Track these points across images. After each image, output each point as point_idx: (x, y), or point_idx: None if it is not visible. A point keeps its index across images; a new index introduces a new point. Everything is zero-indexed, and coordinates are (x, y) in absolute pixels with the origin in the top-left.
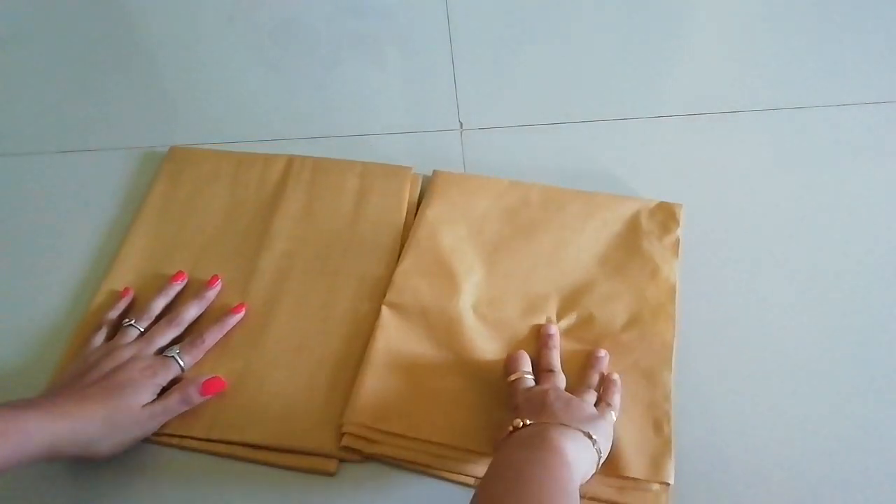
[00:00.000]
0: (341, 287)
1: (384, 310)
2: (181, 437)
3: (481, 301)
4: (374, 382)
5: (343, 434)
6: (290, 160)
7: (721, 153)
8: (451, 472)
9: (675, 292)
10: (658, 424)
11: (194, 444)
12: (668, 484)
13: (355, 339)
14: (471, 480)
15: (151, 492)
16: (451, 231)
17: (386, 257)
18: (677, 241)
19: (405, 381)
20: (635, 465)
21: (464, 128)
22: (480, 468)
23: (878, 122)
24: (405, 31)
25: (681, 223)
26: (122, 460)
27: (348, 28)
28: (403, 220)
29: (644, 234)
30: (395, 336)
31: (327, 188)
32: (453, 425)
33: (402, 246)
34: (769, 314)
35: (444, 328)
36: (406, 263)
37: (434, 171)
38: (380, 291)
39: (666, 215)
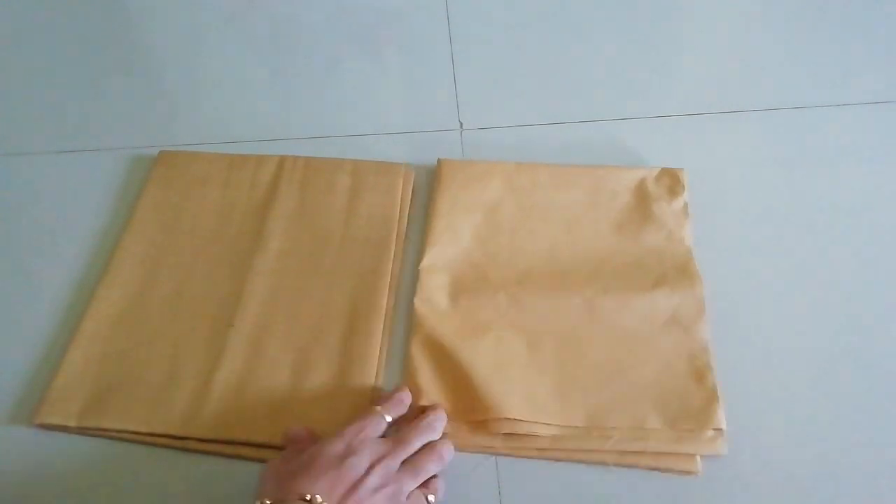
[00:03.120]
0: (338, 284)
1: (417, 307)
2: (183, 438)
3: (510, 282)
4: (423, 375)
5: None
6: (282, 160)
7: (721, 153)
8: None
9: (692, 253)
10: (701, 374)
11: (197, 445)
12: (720, 430)
13: (356, 334)
14: (533, 452)
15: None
16: (467, 219)
17: (381, 253)
18: (686, 205)
19: (454, 371)
20: (684, 415)
21: (464, 128)
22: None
23: (879, 122)
24: (405, 31)
25: (686, 187)
26: (124, 463)
27: (348, 28)
28: (397, 215)
29: (653, 200)
30: (431, 332)
31: (320, 187)
32: (512, 405)
33: (396, 241)
34: (768, 313)
35: (478, 313)
36: (428, 258)
37: (438, 160)
38: (377, 286)
39: (672, 180)
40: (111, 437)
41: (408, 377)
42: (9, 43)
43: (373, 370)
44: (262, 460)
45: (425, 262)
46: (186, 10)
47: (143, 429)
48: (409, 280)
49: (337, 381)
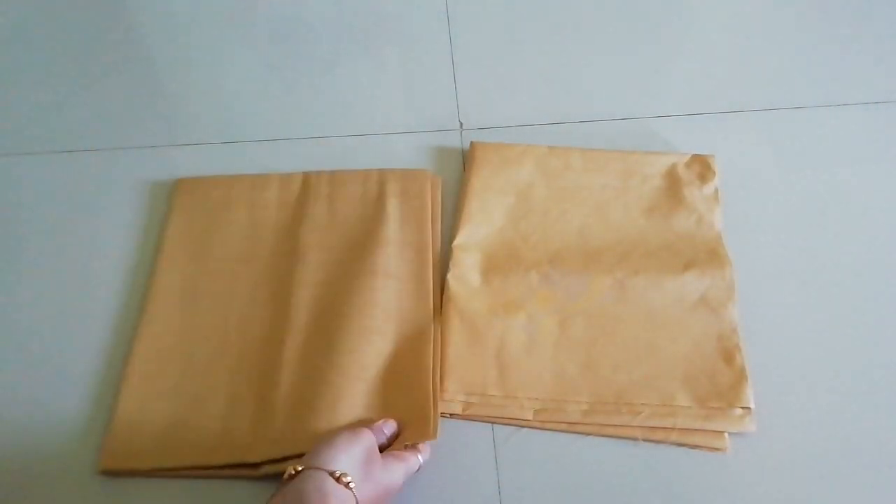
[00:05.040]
0: (382, 290)
1: (450, 283)
2: (256, 465)
3: (541, 261)
4: (456, 350)
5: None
6: (307, 176)
7: (721, 153)
8: (550, 421)
9: (721, 238)
10: (729, 355)
11: (270, 468)
12: (749, 408)
13: (407, 337)
14: (563, 426)
15: None
16: (500, 200)
17: (420, 256)
18: (717, 191)
19: (486, 346)
20: (713, 394)
21: (464, 128)
22: (581, 415)
23: (878, 122)
24: (405, 31)
25: (717, 173)
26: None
27: (348, 28)
28: (429, 217)
29: (684, 185)
30: (465, 305)
31: (348, 199)
32: (545, 382)
33: (433, 243)
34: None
35: (510, 291)
36: (462, 237)
37: (472, 142)
38: (422, 290)
39: (702, 166)
40: (179, 476)
41: (441, 352)
42: (9, 43)
43: (429, 368)
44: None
45: (459, 240)
46: (186, 11)
47: (217, 462)
48: (442, 258)
49: (395, 384)
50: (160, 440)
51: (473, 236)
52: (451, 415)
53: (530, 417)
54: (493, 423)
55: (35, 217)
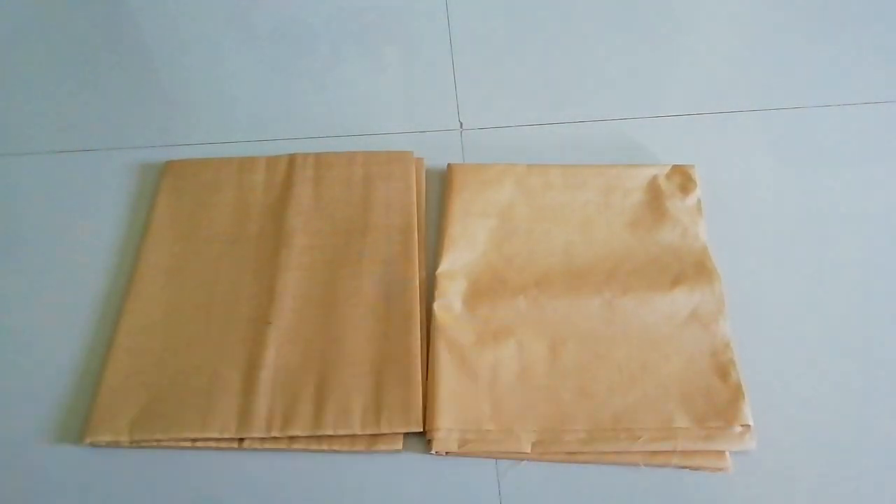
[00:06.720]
0: (368, 271)
1: (437, 313)
2: (241, 439)
3: (528, 285)
4: (448, 384)
5: (429, 441)
6: (293, 158)
7: (721, 153)
8: (548, 452)
9: (707, 250)
10: (724, 371)
11: (254, 443)
12: (748, 425)
13: (392, 317)
14: (563, 457)
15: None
16: (481, 224)
17: (406, 237)
18: (699, 201)
19: (478, 378)
20: (711, 412)
21: (464, 128)
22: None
23: (879, 122)
24: (405, 31)
25: (698, 183)
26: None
27: (348, 28)
28: (414, 200)
29: (666, 197)
30: (453, 336)
31: (333, 181)
32: (541, 411)
33: (418, 224)
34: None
35: (498, 318)
36: (446, 264)
37: (448, 165)
38: (408, 270)
39: (683, 178)
40: (164, 447)
41: (432, 387)
42: (9, 43)
43: (417, 347)
44: (321, 450)
45: (443, 268)
46: (187, 10)
47: (200, 434)
48: (427, 283)
49: (383, 363)
50: (144, 413)
51: (457, 262)
52: (447, 453)
53: (528, 450)
54: (491, 457)
55: (34, 217)
